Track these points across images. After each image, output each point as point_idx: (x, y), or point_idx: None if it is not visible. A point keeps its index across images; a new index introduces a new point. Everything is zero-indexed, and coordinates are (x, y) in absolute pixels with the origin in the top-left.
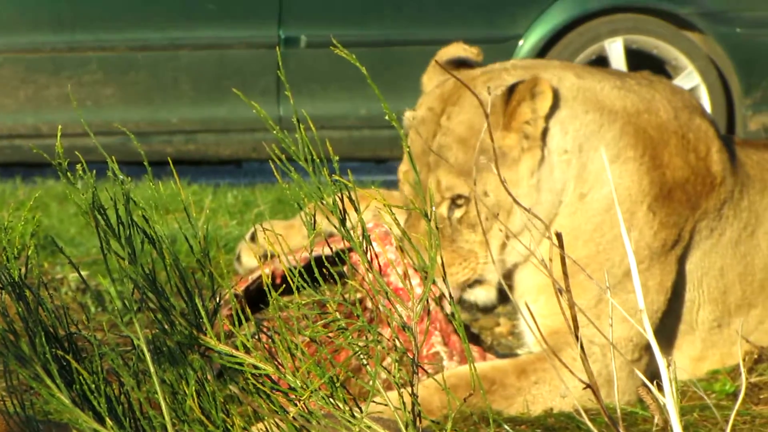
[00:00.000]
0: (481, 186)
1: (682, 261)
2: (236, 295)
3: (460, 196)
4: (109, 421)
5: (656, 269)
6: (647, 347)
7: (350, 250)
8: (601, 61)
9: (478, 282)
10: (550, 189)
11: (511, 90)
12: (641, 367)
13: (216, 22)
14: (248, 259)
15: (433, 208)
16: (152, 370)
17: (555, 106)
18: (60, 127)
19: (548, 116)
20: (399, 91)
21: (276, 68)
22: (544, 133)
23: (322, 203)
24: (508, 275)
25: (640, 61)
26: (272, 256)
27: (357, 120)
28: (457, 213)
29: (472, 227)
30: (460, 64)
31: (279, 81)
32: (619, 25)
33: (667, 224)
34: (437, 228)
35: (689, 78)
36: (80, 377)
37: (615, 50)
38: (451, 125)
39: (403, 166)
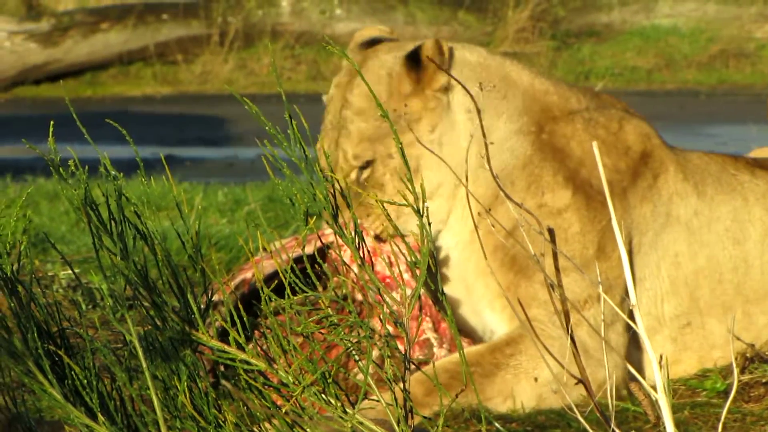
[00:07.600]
0: (385, 149)
1: (628, 236)
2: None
3: (367, 162)
4: (101, 417)
5: (592, 235)
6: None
7: (328, 247)
8: None
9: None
10: (454, 143)
11: (412, 56)
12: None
13: None
14: None
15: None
16: (144, 366)
17: (451, 61)
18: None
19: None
20: None
21: None
22: (447, 87)
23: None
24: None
25: None
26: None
27: None
28: (365, 174)
29: (380, 187)
30: (374, 42)
31: None
32: None
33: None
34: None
35: None
36: (72, 373)
37: None
38: (352, 98)
39: (319, 144)
